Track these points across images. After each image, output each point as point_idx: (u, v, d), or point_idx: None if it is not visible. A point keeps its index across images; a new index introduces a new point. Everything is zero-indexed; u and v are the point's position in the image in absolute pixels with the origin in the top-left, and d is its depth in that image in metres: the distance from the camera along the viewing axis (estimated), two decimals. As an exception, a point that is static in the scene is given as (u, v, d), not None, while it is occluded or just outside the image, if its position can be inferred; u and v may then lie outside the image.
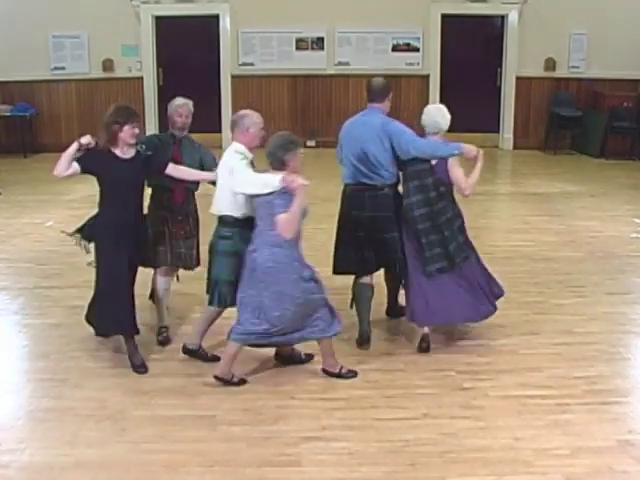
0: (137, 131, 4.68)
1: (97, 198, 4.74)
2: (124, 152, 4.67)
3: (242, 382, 4.56)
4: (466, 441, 3.91)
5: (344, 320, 4.79)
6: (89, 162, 4.64)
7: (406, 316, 5.12)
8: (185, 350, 4.84)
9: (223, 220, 4.65)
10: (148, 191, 5.02)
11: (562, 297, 5.97)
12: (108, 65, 12.39)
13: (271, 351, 4.84)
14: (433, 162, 4.92)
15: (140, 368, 4.70)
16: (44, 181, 10.26)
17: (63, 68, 12.35)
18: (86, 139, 4.63)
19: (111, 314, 4.69)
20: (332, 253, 5.15)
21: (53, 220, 8.18)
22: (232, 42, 12.44)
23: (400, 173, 5.08)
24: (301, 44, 12.48)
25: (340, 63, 12.38)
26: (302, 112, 12.56)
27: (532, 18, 12.41)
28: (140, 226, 4.82)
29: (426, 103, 12.61)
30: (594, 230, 7.91)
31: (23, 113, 12.05)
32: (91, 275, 6.34)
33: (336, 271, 5.16)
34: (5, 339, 5.27)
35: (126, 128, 4.60)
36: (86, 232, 4.92)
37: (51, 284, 6.23)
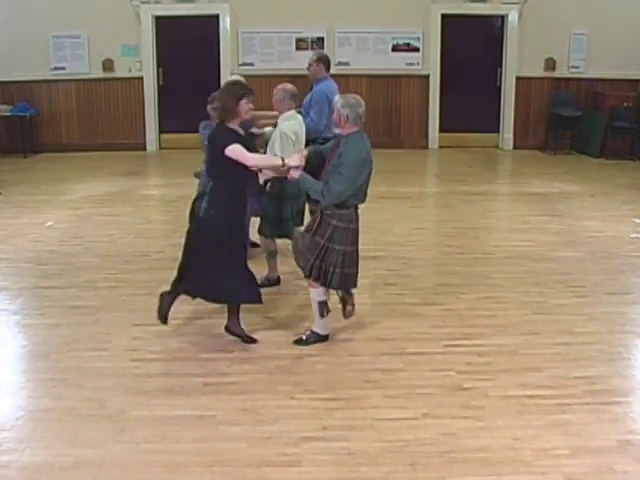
0: (252, 106, 4.81)
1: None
2: (237, 129, 4.76)
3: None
4: (466, 441, 3.90)
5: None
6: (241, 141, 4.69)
7: None
8: None
9: None
10: None
11: (562, 297, 5.96)
12: (108, 65, 12.39)
13: (269, 350, 4.85)
14: None
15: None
16: (44, 181, 10.28)
17: (63, 68, 12.36)
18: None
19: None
20: None
21: (53, 220, 8.19)
22: (232, 42, 12.44)
23: None
24: (301, 44, 12.47)
25: (340, 63, 12.35)
26: (302, 112, 12.52)
27: (532, 18, 12.43)
28: None
29: (426, 103, 12.67)
30: (594, 230, 7.90)
31: (23, 113, 12.05)
32: (90, 275, 6.39)
33: None
34: (5, 339, 5.27)
35: (243, 102, 4.71)
36: None
37: (51, 284, 6.22)
